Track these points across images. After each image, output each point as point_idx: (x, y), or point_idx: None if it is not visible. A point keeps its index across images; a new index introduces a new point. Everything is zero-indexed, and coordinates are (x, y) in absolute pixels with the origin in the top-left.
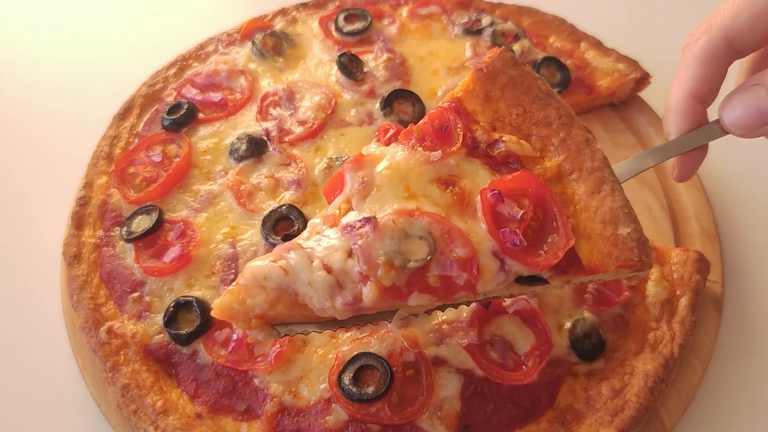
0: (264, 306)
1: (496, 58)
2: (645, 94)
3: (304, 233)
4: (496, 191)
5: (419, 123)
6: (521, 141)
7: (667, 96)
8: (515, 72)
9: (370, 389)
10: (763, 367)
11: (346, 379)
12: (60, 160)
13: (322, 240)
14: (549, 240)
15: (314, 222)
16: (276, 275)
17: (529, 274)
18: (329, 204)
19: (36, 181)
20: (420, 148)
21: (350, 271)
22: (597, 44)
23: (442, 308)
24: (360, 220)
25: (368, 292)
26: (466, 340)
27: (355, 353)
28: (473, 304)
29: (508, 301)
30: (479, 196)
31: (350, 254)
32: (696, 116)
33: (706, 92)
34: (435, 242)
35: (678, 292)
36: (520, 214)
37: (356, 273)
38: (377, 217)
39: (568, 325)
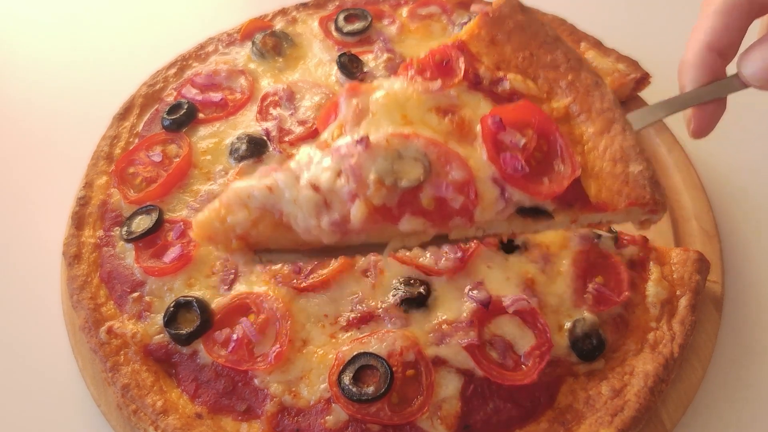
0: (245, 225)
1: (503, 3)
2: (645, 94)
3: (295, 158)
4: (498, 118)
5: (415, 59)
6: (527, 80)
7: (684, 51)
8: (522, 17)
9: (370, 389)
10: (763, 367)
11: (346, 379)
12: (60, 160)
13: (311, 162)
14: (554, 170)
15: (305, 149)
16: (260, 194)
17: (531, 204)
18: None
19: (36, 181)
20: (419, 79)
21: (339, 190)
22: (597, 44)
23: (438, 243)
24: (352, 141)
25: (356, 211)
26: (466, 340)
27: (355, 353)
28: (473, 304)
29: (507, 301)
30: (480, 125)
31: (339, 174)
32: (714, 70)
33: (725, 45)
34: (430, 164)
35: (678, 292)
36: (523, 142)
37: (345, 193)
38: (370, 137)
39: (568, 325)
